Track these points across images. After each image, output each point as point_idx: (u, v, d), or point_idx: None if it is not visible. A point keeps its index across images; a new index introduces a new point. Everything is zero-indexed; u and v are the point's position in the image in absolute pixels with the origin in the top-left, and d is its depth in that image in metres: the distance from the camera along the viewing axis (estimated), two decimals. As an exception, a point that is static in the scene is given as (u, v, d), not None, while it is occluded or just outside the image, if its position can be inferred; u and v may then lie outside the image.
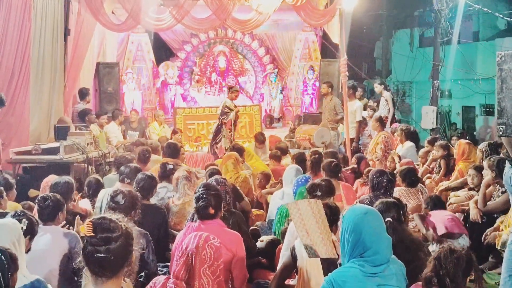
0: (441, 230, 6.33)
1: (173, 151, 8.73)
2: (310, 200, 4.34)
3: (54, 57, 11.39)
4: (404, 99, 24.26)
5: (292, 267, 4.57)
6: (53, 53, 11.37)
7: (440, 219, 6.47)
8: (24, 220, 4.37)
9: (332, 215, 4.69)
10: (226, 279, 4.51)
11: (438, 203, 6.91)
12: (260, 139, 12.00)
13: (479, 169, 7.46)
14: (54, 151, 9.00)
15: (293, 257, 4.51)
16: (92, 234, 2.76)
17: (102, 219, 2.83)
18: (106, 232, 2.78)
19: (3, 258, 3.37)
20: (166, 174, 7.21)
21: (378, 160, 10.48)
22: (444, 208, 7.04)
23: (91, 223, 2.78)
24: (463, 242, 6.26)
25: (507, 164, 5.54)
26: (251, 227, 7.00)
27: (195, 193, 4.84)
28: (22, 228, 4.25)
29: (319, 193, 5.68)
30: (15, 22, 10.57)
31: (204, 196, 4.71)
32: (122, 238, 2.81)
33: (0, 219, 4.19)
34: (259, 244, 6.16)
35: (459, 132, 20.46)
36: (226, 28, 16.03)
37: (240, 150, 9.54)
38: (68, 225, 5.19)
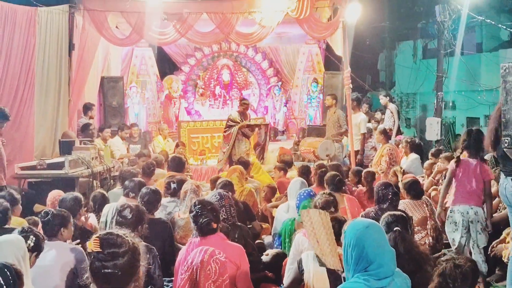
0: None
1: (178, 164, 8.71)
2: (320, 211, 4.34)
3: (59, 72, 11.44)
4: (408, 111, 24.24)
5: (299, 280, 4.55)
6: (58, 68, 11.41)
7: None
8: (31, 236, 4.38)
9: (340, 228, 4.66)
10: (231, 288, 4.50)
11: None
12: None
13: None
14: (59, 166, 9.01)
15: (300, 270, 4.49)
16: (99, 250, 2.76)
17: (109, 234, 2.83)
18: (113, 247, 2.78)
19: (8, 274, 3.37)
20: (172, 192, 7.18)
21: (383, 172, 10.45)
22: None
23: (98, 238, 2.78)
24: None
25: (502, 175, 5.57)
26: (257, 241, 6.99)
27: (191, 211, 4.82)
28: (29, 244, 4.26)
29: (333, 209, 5.64)
30: (19, 38, 10.64)
31: (204, 212, 4.70)
32: (129, 254, 2.81)
33: (6, 235, 4.17)
34: (264, 258, 6.12)
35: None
36: (230, 41, 16.07)
37: (245, 164, 9.52)
38: (78, 241, 5.20)
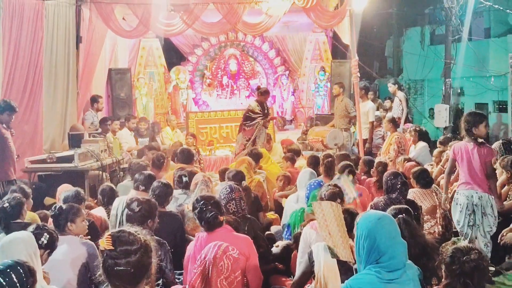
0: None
1: (187, 157, 8.71)
2: (332, 203, 4.35)
3: (67, 65, 11.49)
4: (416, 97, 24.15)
5: (310, 272, 4.57)
6: (66, 61, 11.47)
7: None
8: (45, 234, 4.43)
9: (352, 221, 4.68)
10: (242, 285, 4.52)
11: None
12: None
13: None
14: (69, 159, 9.07)
15: (311, 262, 4.51)
16: (111, 248, 2.79)
17: (121, 232, 2.86)
18: (126, 245, 2.81)
19: (21, 271, 3.41)
20: (184, 186, 7.20)
21: (391, 160, 10.44)
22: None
23: (110, 236, 2.81)
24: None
25: None
26: (267, 232, 7.02)
27: (194, 208, 4.86)
28: (43, 242, 4.30)
29: (339, 201, 5.63)
30: (27, 32, 10.65)
31: (208, 207, 4.74)
32: (142, 251, 2.83)
33: (16, 232, 4.21)
34: (274, 249, 6.16)
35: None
36: (237, 31, 16.05)
37: (257, 156, 9.57)
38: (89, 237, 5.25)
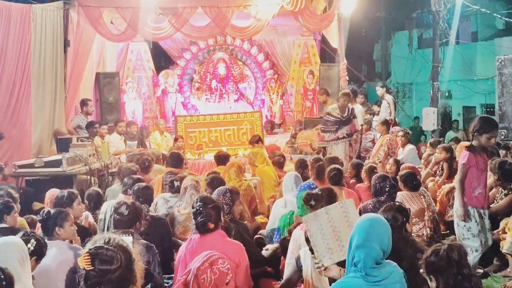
0: None
1: (177, 161, 8.69)
2: (340, 203, 4.33)
3: (55, 69, 11.45)
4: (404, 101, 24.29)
5: (298, 277, 4.57)
6: (54, 65, 11.43)
7: None
8: (32, 240, 4.39)
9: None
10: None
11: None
12: (254, 141, 11.71)
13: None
14: (57, 163, 9.01)
15: (298, 266, 4.52)
16: (91, 267, 2.76)
17: (99, 249, 2.80)
18: (105, 264, 2.77)
19: (2, 276, 3.38)
20: (175, 190, 7.18)
21: (380, 162, 10.49)
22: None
23: (88, 255, 2.77)
24: None
25: None
26: (256, 236, 7.00)
27: (192, 207, 4.83)
28: (29, 248, 4.27)
29: (313, 202, 5.58)
30: (15, 35, 10.63)
31: (203, 210, 4.70)
32: (122, 268, 2.80)
33: (6, 237, 4.18)
34: (264, 252, 6.15)
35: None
36: (225, 35, 16.05)
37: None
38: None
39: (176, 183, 7.11)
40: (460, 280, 3.40)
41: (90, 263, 2.75)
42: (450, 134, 17.07)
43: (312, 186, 6.55)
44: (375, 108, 14.81)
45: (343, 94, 10.91)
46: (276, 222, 6.87)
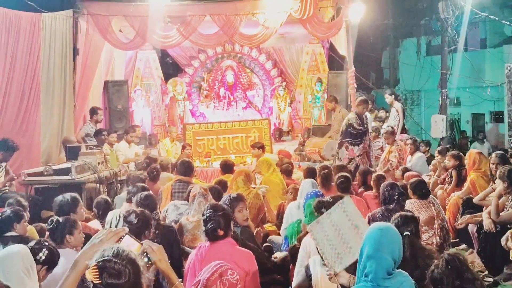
0: None
1: (187, 169, 8.65)
2: (339, 203, 4.31)
3: (64, 77, 11.50)
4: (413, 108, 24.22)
5: (307, 285, 4.56)
6: (63, 73, 11.48)
7: None
8: (44, 250, 4.38)
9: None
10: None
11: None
12: (256, 146, 11.69)
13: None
14: (66, 171, 9.04)
15: (308, 275, 4.50)
16: (98, 281, 2.73)
17: (107, 262, 2.76)
18: (112, 278, 2.73)
19: None
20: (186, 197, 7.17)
21: (393, 168, 10.47)
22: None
23: (96, 267, 2.73)
24: None
25: None
26: (265, 244, 7.00)
27: (203, 215, 4.83)
28: (41, 257, 4.26)
29: (324, 210, 5.62)
30: (24, 44, 10.68)
31: (213, 218, 4.70)
32: (130, 282, 2.77)
33: (11, 246, 4.18)
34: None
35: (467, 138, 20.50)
36: (233, 43, 16.08)
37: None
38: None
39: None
40: (461, 284, 3.40)
41: (97, 276, 2.72)
42: (476, 146, 15.52)
43: (318, 193, 6.55)
44: (381, 113, 14.77)
45: (362, 102, 10.63)
46: (289, 221, 6.89)
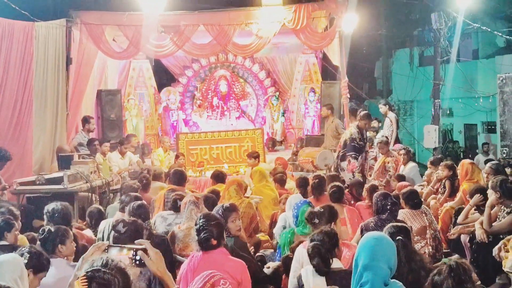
0: None
1: (179, 178, 8.66)
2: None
3: (57, 86, 11.49)
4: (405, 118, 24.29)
5: (299, 296, 4.55)
6: (56, 82, 11.48)
7: None
8: (24, 254, 4.34)
9: (330, 240, 4.68)
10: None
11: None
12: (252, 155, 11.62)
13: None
14: (58, 180, 9.01)
15: (300, 285, 4.49)
16: None
17: (96, 272, 2.75)
18: None
19: None
20: (176, 209, 7.11)
21: (390, 177, 10.48)
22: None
23: (85, 278, 2.72)
24: None
25: None
26: (258, 254, 6.98)
27: (195, 224, 4.82)
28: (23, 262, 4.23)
29: (317, 221, 5.64)
30: (17, 52, 10.68)
31: (206, 227, 4.68)
32: None
33: (3, 254, 4.16)
34: (266, 270, 6.12)
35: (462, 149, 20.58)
36: (227, 52, 16.09)
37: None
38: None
39: (179, 202, 7.06)
40: None
41: (87, 286, 2.70)
42: (480, 158, 14.80)
43: (307, 202, 6.57)
44: (374, 123, 14.79)
45: (364, 117, 10.62)
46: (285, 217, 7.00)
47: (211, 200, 7.10)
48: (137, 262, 3.18)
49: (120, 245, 3.24)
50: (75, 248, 5.23)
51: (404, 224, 4.93)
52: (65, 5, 12.34)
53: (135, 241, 3.31)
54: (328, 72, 17.54)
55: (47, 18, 11.52)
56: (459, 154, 19.63)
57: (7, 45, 10.49)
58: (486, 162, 12.28)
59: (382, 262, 3.44)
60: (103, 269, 2.76)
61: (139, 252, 3.19)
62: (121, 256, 3.13)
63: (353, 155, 10.49)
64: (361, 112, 11.01)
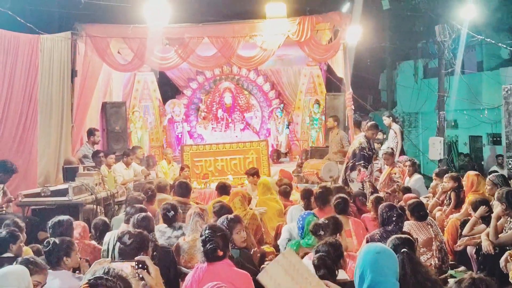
0: None
1: (184, 190, 8.66)
2: (277, 259, 4.22)
3: (62, 99, 11.52)
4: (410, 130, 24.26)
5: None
6: (60, 95, 11.50)
7: None
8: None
9: (335, 251, 4.67)
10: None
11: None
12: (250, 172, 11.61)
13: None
14: (63, 192, 9.01)
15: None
16: None
17: (98, 279, 2.76)
18: None
19: None
20: (170, 221, 7.06)
21: (399, 187, 10.46)
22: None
23: (87, 286, 2.72)
24: None
25: None
26: (262, 266, 6.93)
27: (201, 235, 4.81)
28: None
29: (322, 233, 5.63)
30: (22, 65, 10.72)
31: (212, 238, 4.67)
32: None
33: (9, 266, 4.16)
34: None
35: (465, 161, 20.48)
36: (231, 64, 16.13)
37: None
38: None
39: (170, 214, 6.98)
40: None
41: None
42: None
43: (311, 214, 6.54)
44: (379, 135, 14.77)
45: (372, 127, 10.67)
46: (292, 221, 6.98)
47: (226, 209, 7.08)
48: (140, 276, 3.19)
49: (122, 260, 3.25)
50: (79, 260, 5.23)
51: (408, 236, 4.90)
52: (70, 18, 12.45)
53: (135, 258, 3.31)
54: (332, 84, 17.56)
55: (53, 31, 11.60)
56: (473, 166, 19.46)
57: (13, 57, 10.54)
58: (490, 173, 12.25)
59: (389, 275, 3.44)
60: (105, 277, 2.76)
61: (139, 271, 3.20)
62: (123, 265, 3.14)
63: (362, 164, 10.50)
64: (369, 123, 11.07)
